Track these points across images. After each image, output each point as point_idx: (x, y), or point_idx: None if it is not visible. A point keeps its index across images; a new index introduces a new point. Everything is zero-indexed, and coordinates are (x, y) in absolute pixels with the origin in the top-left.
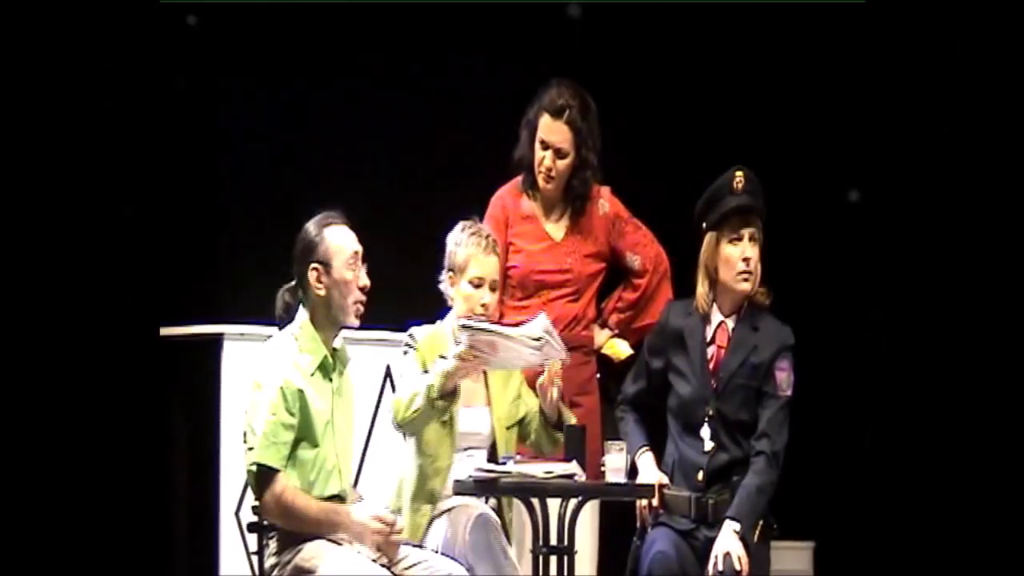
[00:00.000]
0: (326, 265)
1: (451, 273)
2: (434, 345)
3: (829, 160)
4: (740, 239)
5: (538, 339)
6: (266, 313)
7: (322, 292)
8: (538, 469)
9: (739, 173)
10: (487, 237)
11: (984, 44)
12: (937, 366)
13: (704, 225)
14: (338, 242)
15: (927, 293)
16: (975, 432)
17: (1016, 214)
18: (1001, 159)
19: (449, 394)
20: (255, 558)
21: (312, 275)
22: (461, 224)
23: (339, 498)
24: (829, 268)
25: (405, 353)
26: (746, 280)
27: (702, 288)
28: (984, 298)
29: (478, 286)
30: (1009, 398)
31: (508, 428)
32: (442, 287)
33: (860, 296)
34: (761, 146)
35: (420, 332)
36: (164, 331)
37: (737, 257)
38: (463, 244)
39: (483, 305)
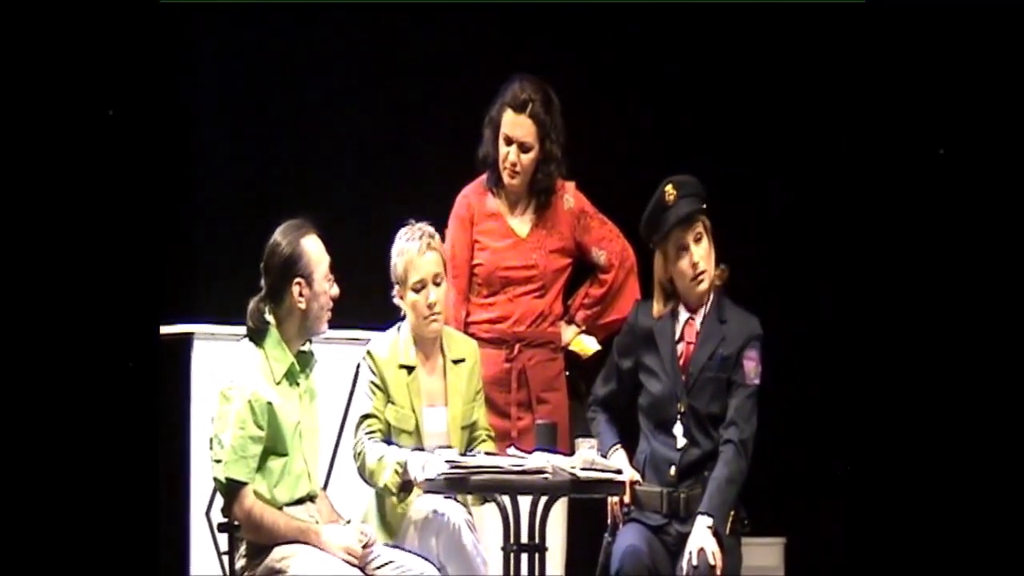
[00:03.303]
0: (308, 279)
1: (398, 286)
2: (391, 358)
3: (828, 159)
4: (686, 248)
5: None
6: (236, 313)
7: (303, 306)
8: (507, 462)
9: (668, 187)
10: (421, 237)
11: (985, 44)
12: (909, 361)
13: (652, 244)
14: (317, 254)
15: (902, 289)
16: (947, 428)
17: (1015, 215)
18: (1002, 160)
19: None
20: (226, 558)
21: (295, 289)
22: (399, 233)
23: (309, 499)
24: (803, 263)
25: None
26: (701, 283)
27: (657, 303)
28: (959, 295)
29: (419, 289)
30: (983, 393)
31: (463, 428)
32: (395, 302)
33: (832, 292)
34: (758, 145)
35: (377, 346)
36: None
37: (687, 266)
38: (400, 254)
39: (429, 306)
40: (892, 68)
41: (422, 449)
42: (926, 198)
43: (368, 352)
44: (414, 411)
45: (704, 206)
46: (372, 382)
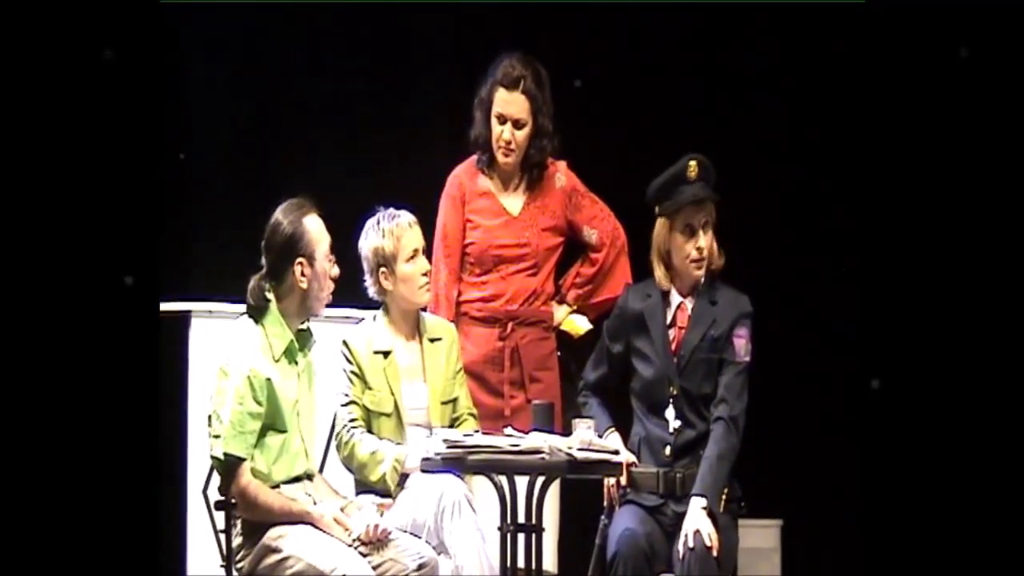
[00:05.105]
0: (310, 258)
1: (384, 269)
2: (367, 345)
3: (826, 156)
4: (694, 230)
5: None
6: (234, 290)
7: (304, 285)
8: (504, 441)
9: (693, 162)
10: (400, 215)
11: (987, 44)
12: (904, 341)
13: (657, 209)
14: (318, 234)
15: (902, 273)
16: (943, 411)
17: (1015, 216)
18: (1004, 162)
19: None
20: (223, 536)
21: (297, 269)
22: (367, 225)
23: (306, 477)
24: (803, 245)
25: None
26: (699, 268)
27: (659, 271)
28: (957, 283)
29: (413, 259)
30: (976, 374)
31: (444, 403)
32: (373, 292)
33: (830, 270)
34: (756, 145)
35: (352, 336)
36: None
37: (691, 247)
38: (386, 235)
39: (424, 274)
40: (892, 69)
41: (403, 432)
42: (926, 200)
43: (344, 341)
44: (392, 393)
45: (717, 198)
46: (350, 371)
